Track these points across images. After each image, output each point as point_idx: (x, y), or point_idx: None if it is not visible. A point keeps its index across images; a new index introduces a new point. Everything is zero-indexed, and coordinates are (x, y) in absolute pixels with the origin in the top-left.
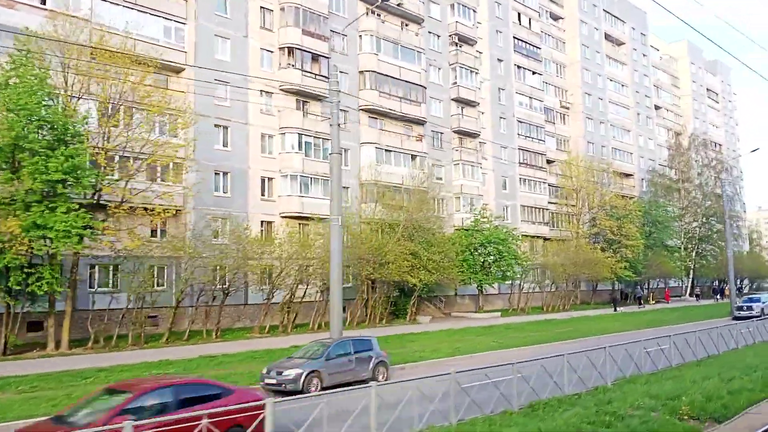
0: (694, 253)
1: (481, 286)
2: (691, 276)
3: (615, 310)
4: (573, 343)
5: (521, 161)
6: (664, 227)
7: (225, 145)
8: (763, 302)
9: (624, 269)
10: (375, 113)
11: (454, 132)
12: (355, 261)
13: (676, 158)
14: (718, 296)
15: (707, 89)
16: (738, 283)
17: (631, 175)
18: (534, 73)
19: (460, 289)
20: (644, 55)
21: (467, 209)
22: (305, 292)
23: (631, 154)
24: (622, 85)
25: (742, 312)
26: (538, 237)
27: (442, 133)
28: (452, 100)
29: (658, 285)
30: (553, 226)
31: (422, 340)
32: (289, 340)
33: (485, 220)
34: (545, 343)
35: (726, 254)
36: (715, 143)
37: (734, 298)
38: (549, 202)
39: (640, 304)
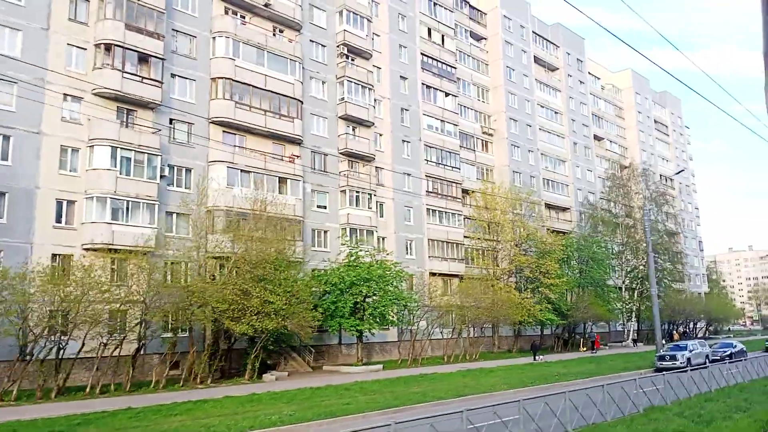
0: (636, 294)
1: (361, 334)
2: (633, 319)
3: (535, 359)
4: (394, 413)
5: (430, 190)
6: (599, 265)
7: (4, 158)
8: (691, 350)
9: (545, 312)
10: (232, 128)
11: (342, 154)
12: (164, 304)
13: (614, 190)
14: (664, 341)
15: (655, 121)
16: (690, 327)
17: (567, 208)
18: (448, 94)
19: (346, 337)
20: (581, 83)
21: (355, 242)
22: (82, 345)
23: (567, 186)
24: (556, 113)
25: (664, 362)
26: (452, 275)
27: (326, 154)
28: (340, 118)
29: (589, 329)
30: (471, 263)
31: (196, 412)
32: (36, 409)
33: (367, 253)
34: (356, 414)
35: (677, 294)
36: (666, 177)
37: (660, 346)
38: (465, 237)
39: (593, 349)
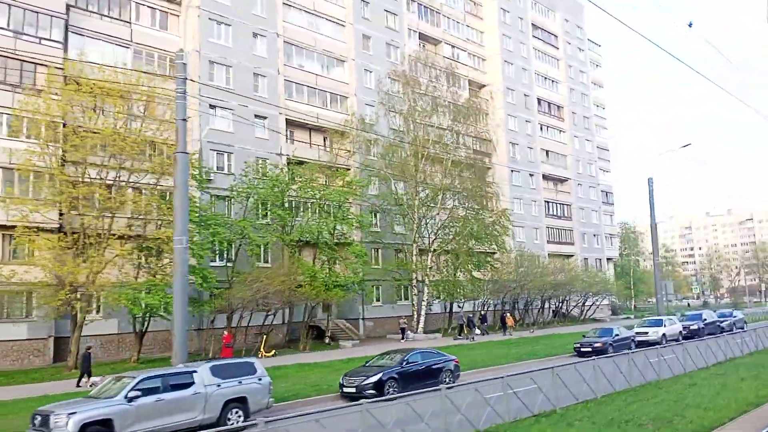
0: (431, 258)
1: None
2: (425, 294)
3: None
4: None
5: None
6: (340, 213)
7: None
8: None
9: (132, 294)
10: None
11: None
12: None
13: (400, 98)
14: (479, 330)
15: (535, 26)
16: (561, 305)
17: (342, 132)
18: None
19: None
20: None
21: None
22: None
23: (346, 98)
24: None
25: None
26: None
27: None
28: None
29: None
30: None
31: None
32: None
33: None
34: None
35: (536, 261)
36: (550, 103)
37: (178, 357)
38: (69, 161)
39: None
